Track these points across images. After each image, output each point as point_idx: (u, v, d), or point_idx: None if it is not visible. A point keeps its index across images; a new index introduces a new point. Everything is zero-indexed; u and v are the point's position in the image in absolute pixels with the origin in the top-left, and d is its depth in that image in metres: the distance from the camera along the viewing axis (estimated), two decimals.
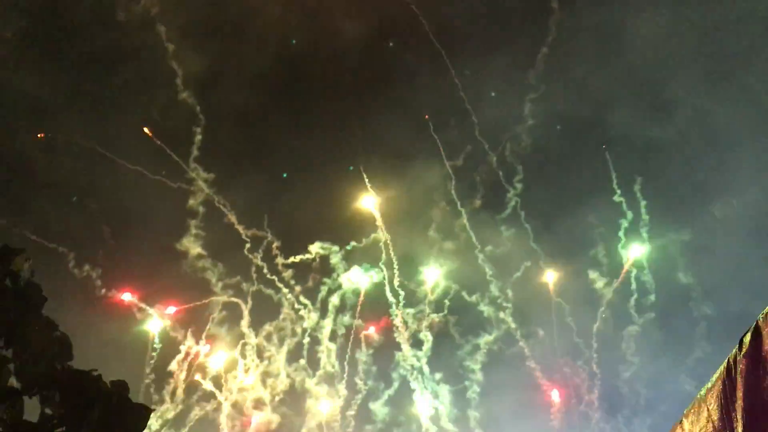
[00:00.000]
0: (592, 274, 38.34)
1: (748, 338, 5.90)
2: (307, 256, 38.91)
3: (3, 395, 6.55)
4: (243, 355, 38.56)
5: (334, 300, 39.06)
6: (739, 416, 5.89)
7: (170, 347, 38.19)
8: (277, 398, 38.32)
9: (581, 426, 37.66)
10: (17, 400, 6.70)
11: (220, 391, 38.13)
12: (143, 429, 7.13)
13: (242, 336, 38.70)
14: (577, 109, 37.34)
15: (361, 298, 39.12)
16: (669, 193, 38.11)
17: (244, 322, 38.71)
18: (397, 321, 38.75)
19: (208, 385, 38.13)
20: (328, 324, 38.84)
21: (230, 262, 38.60)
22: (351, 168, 38.90)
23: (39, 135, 36.63)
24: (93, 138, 36.22)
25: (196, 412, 37.65)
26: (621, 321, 38.12)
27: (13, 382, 6.76)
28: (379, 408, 38.20)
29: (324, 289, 39.12)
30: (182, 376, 37.71)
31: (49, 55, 36.29)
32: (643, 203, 37.92)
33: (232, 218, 38.43)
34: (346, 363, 38.63)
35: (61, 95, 35.76)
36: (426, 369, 38.38)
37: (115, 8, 35.76)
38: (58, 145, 36.63)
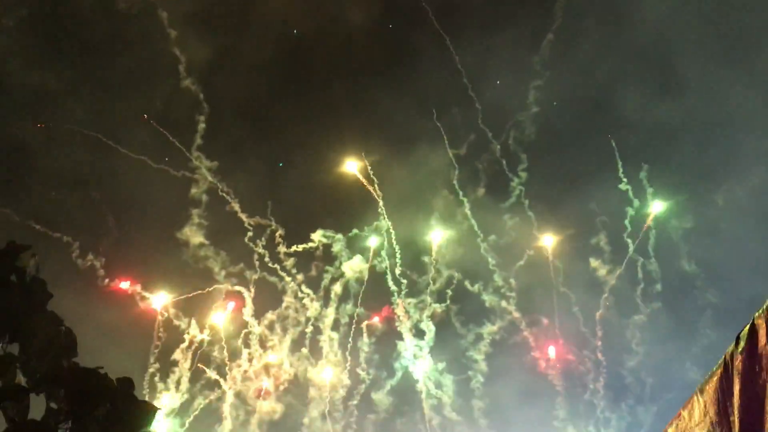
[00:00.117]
0: (596, 263, 38.26)
1: (744, 335, 5.97)
2: (310, 244, 38.89)
3: (13, 393, 6.46)
4: (246, 344, 38.63)
5: (337, 288, 39.06)
6: (735, 412, 5.98)
7: (173, 336, 38.27)
8: (281, 387, 38.40)
9: (586, 414, 37.70)
10: (24, 397, 6.61)
11: (224, 379, 38.21)
12: (149, 426, 7.05)
13: (245, 325, 38.75)
14: (582, 95, 37.13)
15: (364, 286, 39.13)
16: (676, 180, 37.85)
17: (247, 311, 38.73)
18: (399, 310, 38.73)
19: (212, 374, 38.22)
20: (330, 313, 38.85)
21: (233, 251, 38.62)
22: (354, 156, 38.84)
23: (40, 124, 36.53)
24: (95, 127, 36.17)
25: (199, 401, 37.73)
26: (626, 309, 38.08)
27: (20, 379, 6.67)
28: (381, 398, 38.23)
29: (327, 278, 39.14)
30: (186, 365, 37.77)
31: (51, 43, 36.14)
32: (649, 190, 37.81)
33: (236, 206, 38.37)
34: (348, 353, 38.64)
35: (63, 84, 35.65)
36: (429, 359, 38.39)
37: None
38: (60, 134, 36.58)
